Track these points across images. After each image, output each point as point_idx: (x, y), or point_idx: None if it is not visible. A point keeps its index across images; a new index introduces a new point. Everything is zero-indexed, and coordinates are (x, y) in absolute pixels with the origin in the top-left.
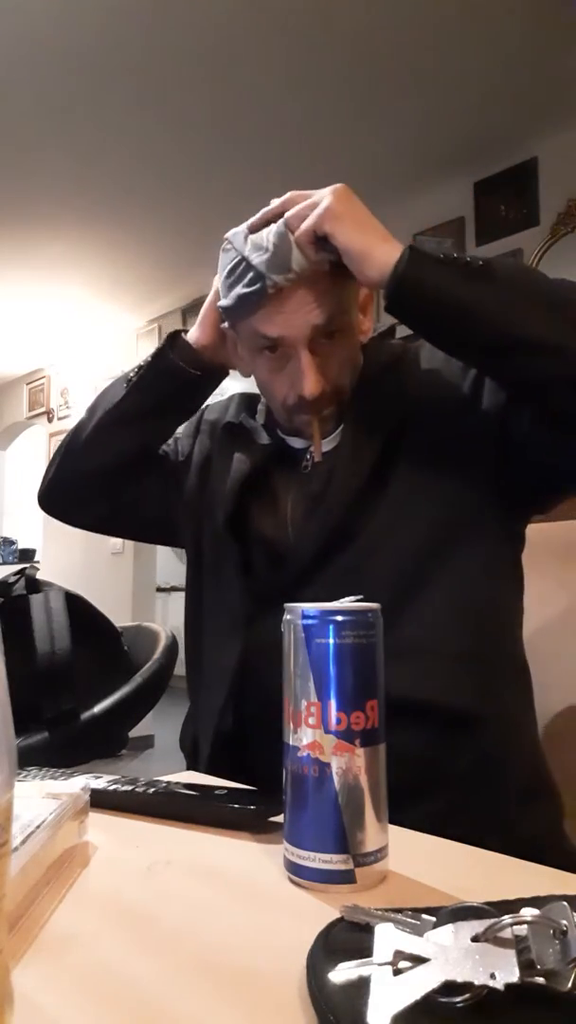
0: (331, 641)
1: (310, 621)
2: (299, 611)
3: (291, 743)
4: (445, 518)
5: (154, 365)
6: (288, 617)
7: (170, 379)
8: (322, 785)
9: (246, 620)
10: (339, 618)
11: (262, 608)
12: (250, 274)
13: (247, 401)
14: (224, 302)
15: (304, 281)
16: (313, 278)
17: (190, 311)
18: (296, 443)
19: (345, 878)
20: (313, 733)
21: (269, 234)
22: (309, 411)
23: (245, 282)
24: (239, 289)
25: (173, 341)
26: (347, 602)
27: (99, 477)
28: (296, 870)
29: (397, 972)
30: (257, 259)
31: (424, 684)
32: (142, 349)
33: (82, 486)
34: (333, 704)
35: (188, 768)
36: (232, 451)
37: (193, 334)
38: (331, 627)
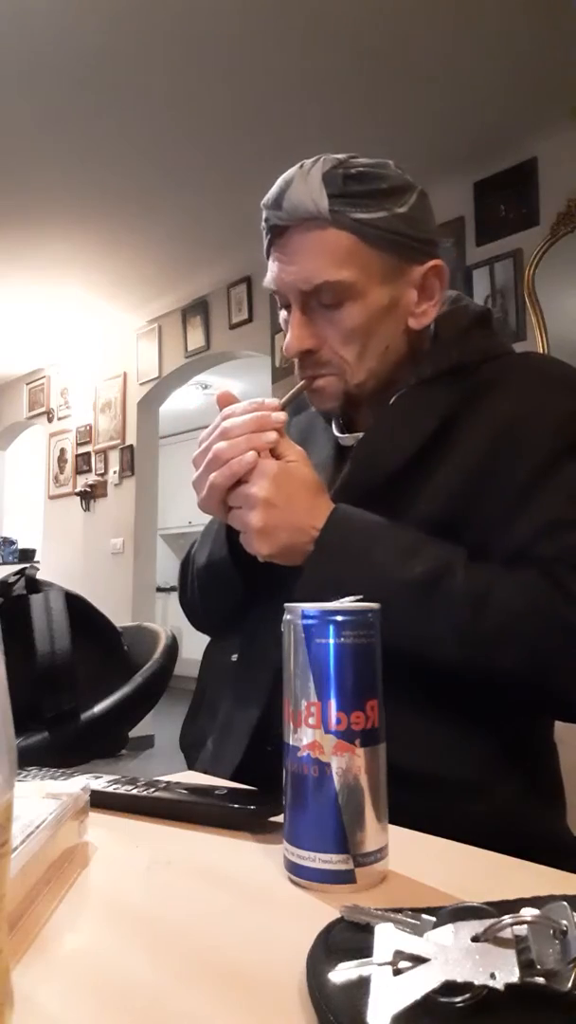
0: (331, 641)
1: (310, 621)
2: (299, 611)
3: (291, 743)
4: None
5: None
6: (288, 617)
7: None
8: (322, 785)
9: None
10: (339, 618)
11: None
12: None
13: None
14: None
15: (301, 229)
16: (312, 226)
17: (190, 311)
18: (346, 440)
19: (345, 878)
20: (313, 733)
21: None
22: (302, 369)
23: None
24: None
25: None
26: (347, 602)
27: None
28: (296, 870)
29: (397, 972)
30: (265, 201)
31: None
32: (142, 349)
33: (214, 623)
34: (333, 704)
35: (188, 768)
36: (308, 444)
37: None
38: (331, 627)
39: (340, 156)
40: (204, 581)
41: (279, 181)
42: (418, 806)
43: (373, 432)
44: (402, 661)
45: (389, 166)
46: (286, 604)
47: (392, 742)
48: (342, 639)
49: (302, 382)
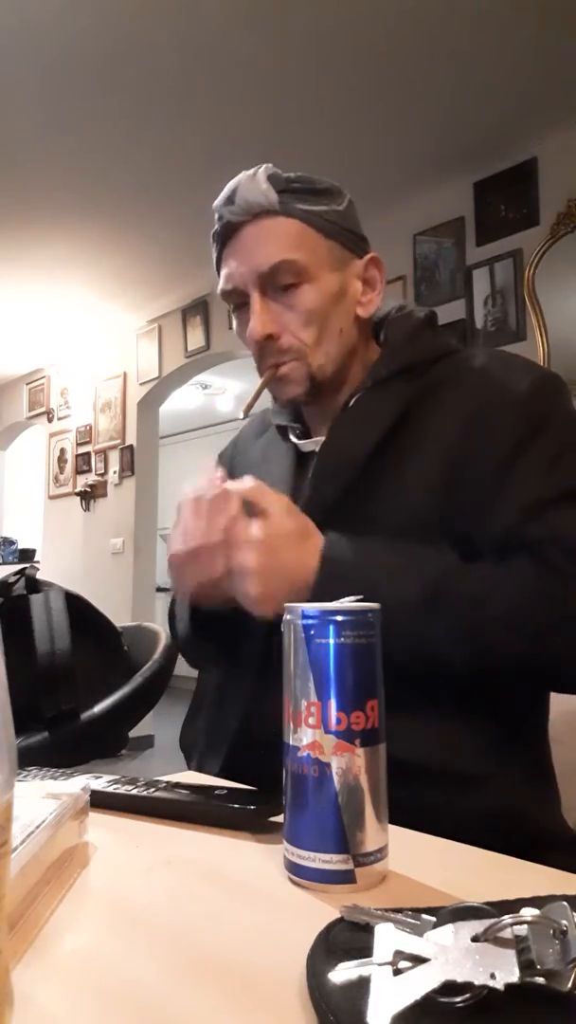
0: (331, 641)
1: (310, 621)
2: (299, 611)
3: (291, 743)
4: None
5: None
6: (288, 617)
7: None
8: (322, 785)
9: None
10: (339, 618)
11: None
12: (215, 222)
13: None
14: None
15: (254, 222)
16: (264, 218)
17: (190, 311)
18: (306, 447)
19: (345, 878)
20: (313, 733)
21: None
22: (263, 360)
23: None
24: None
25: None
26: (347, 602)
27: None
28: (296, 870)
29: (397, 972)
30: (216, 204)
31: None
32: (142, 349)
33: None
34: (333, 704)
35: (188, 768)
36: (268, 462)
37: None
38: (331, 627)
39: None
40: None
41: (227, 186)
42: (411, 801)
43: (336, 432)
44: (410, 673)
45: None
46: (286, 604)
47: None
48: (342, 639)
49: (267, 374)
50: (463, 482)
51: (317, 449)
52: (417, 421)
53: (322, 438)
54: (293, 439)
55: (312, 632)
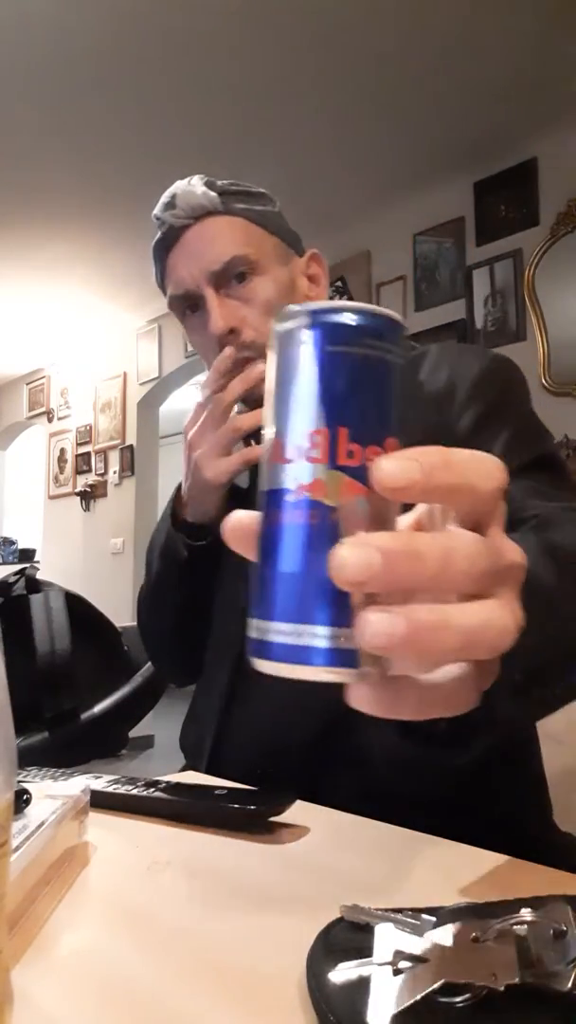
0: (355, 351)
1: (328, 320)
2: (307, 310)
3: (272, 487)
4: None
5: (165, 542)
6: (292, 322)
7: (178, 554)
8: (322, 537)
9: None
10: (369, 324)
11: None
12: (156, 229)
13: None
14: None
15: (198, 225)
16: (207, 218)
17: None
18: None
19: (347, 660)
20: (314, 470)
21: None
22: (217, 364)
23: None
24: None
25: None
26: (366, 305)
27: (172, 636)
28: (272, 651)
29: (397, 972)
30: (157, 212)
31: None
32: (142, 349)
33: (165, 648)
34: (346, 432)
35: (188, 768)
36: None
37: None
38: (357, 333)
39: None
40: (154, 592)
41: (164, 195)
42: (407, 823)
43: None
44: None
45: None
46: (289, 307)
47: (368, 766)
48: (371, 350)
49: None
50: None
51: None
52: None
53: None
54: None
55: (326, 336)
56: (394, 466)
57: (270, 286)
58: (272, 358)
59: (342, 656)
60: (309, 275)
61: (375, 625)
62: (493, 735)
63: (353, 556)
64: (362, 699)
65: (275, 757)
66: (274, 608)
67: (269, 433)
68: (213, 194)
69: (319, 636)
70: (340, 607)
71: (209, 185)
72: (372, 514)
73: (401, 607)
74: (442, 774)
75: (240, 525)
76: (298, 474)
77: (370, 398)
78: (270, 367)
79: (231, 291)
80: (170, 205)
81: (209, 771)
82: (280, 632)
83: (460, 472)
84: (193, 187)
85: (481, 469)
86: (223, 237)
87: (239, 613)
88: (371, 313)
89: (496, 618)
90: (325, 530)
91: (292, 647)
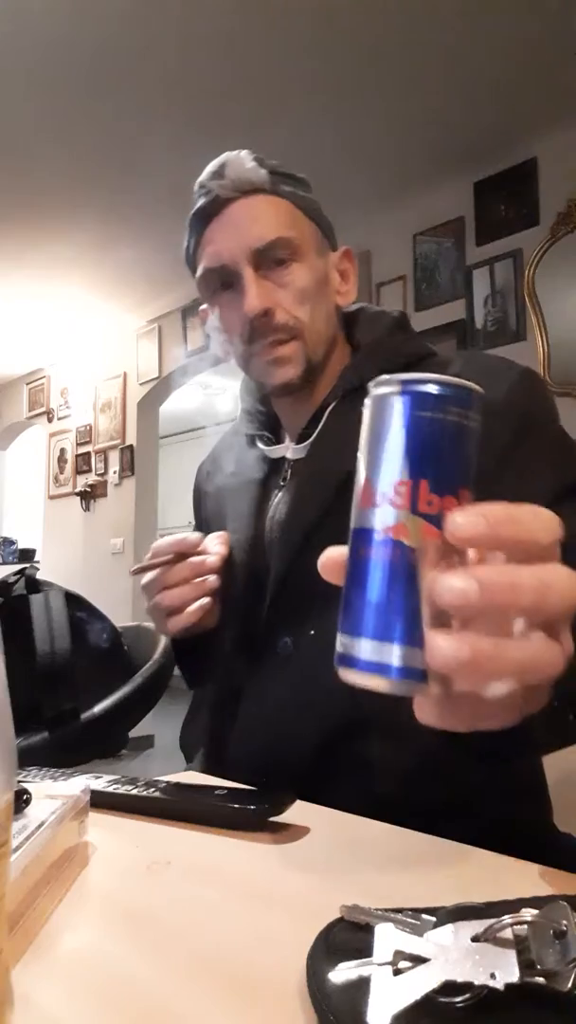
0: (435, 416)
1: (415, 390)
2: (399, 380)
3: (363, 526)
4: None
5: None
6: (382, 389)
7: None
8: (403, 572)
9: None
10: (448, 393)
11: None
12: (198, 198)
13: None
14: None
15: (244, 199)
16: (254, 195)
17: (190, 311)
18: (274, 452)
19: (417, 676)
20: (397, 515)
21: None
22: (255, 341)
23: (194, 209)
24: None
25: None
26: (446, 377)
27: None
28: (361, 666)
29: (397, 972)
30: (202, 179)
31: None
32: (142, 349)
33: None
34: (426, 484)
35: (188, 768)
36: (239, 473)
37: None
38: (438, 400)
39: None
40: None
41: (213, 163)
42: (407, 827)
43: (315, 449)
44: None
45: None
46: (379, 378)
47: (369, 771)
48: (449, 416)
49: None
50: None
51: (288, 455)
52: None
53: (292, 444)
54: (261, 446)
55: (417, 404)
56: (464, 520)
57: (307, 275)
58: (367, 417)
59: (413, 673)
60: (341, 271)
61: (443, 649)
62: (527, 753)
63: (458, 583)
64: (425, 711)
65: (276, 758)
66: (358, 629)
67: (360, 480)
68: (263, 171)
69: (395, 655)
70: (414, 632)
71: (259, 162)
72: (446, 554)
73: (465, 634)
74: (442, 780)
75: (332, 560)
76: (384, 517)
77: (448, 456)
78: (365, 424)
79: (269, 273)
80: (218, 174)
81: (209, 771)
82: (363, 649)
83: (522, 526)
84: (243, 160)
85: (538, 524)
86: (268, 216)
87: (242, 619)
88: (453, 385)
89: (546, 650)
90: (405, 566)
91: (373, 663)
